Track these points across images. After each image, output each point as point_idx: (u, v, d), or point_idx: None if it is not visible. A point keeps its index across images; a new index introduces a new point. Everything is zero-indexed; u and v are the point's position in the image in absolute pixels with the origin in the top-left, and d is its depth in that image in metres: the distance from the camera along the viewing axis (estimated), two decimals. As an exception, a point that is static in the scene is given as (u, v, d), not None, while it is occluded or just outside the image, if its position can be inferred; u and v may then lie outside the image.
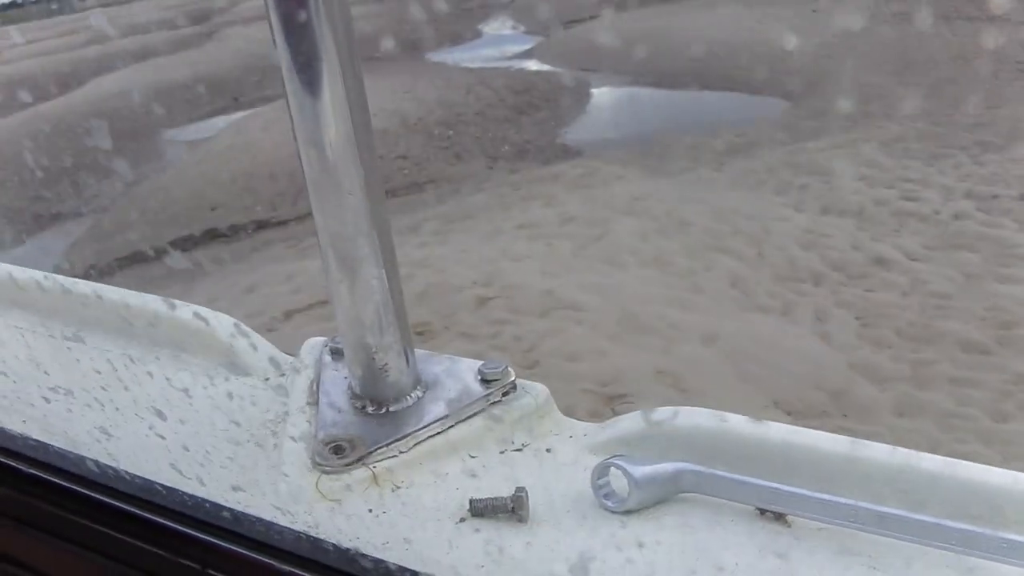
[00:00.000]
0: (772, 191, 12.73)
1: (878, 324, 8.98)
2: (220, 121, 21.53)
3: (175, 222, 15.26)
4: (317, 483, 1.29)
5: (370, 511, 1.24)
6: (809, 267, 10.25)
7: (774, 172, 13.37)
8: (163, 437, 1.53)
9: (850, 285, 9.82)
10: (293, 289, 11.07)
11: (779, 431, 1.24)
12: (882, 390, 7.88)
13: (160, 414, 1.57)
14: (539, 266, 10.57)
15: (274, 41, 1.20)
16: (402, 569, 1.09)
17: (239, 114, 21.47)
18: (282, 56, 1.20)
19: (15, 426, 1.50)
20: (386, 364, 1.39)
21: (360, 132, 1.24)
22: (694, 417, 1.30)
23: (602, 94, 19.96)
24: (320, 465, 1.32)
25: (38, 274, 1.93)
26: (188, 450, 1.48)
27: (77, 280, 1.87)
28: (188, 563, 1.19)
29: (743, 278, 10.12)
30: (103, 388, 1.68)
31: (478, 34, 28.17)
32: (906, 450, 1.18)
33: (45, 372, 1.76)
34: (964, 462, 1.16)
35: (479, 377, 1.45)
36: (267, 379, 1.62)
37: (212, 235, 14.84)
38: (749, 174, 13.48)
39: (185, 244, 14.51)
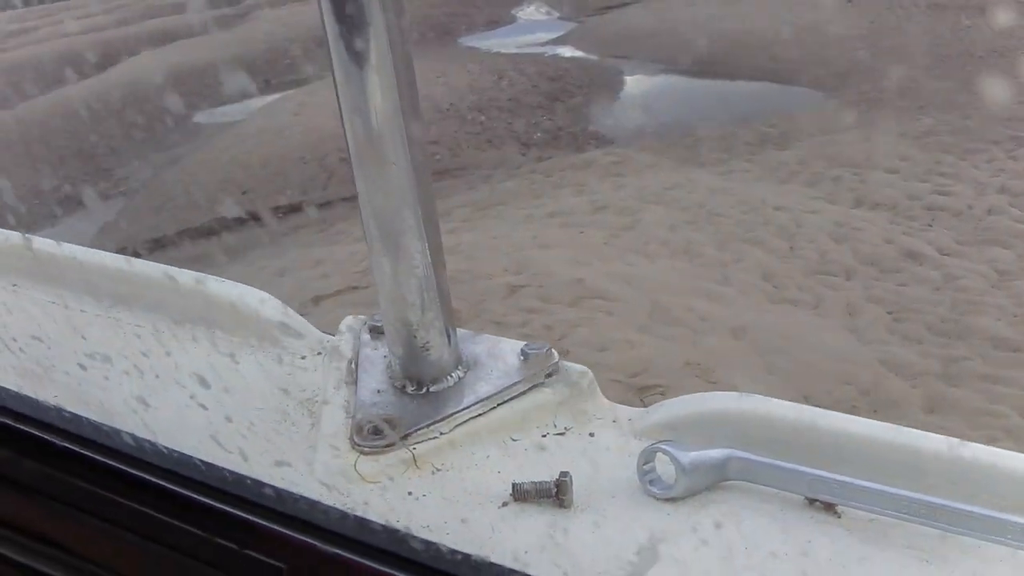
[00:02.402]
0: (804, 183, 12.68)
1: (909, 319, 8.93)
2: (251, 104, 21.56)
3: (205, 205, 15.29)
4: (356, 464, 1.27)
5: (410, 494, 1.22)
6: (840, 260, 10.20)
7: (806, 164, 13.31)
8: (205, 407, 1.51)
9: (882, 279, 9.77)
10: (322, 274, 11.08)
11: (829, 418, 1.22)
12: (912, 386, 7.84)
13: (203, 381, 1.55)
14: (570, 254, 10.55)
15: (320, 5, 1.17)
16: (453, 552, 1.07)
17: (270, 97, 21.48)
18: (328, 21, 1.17)
19: (48, 397, 1.48)
20: (427, 342, 1.37)
21: (406, 101, 1.21)
22: (741, 403, 1.28)
23: (635, 82, 19.90)
24: (359, 446, 1.29)
25: (78, 248, 1.91)
26: (231, 421, 1.46)
27: (117, 255, 1.86)
28: (226, 543, 1.17)
29: (773, 270, 10.08)
30: (143, 354, 1.66)
31: (512, 19, 28.10)
32: (960, 441, 1.15)
33: (83, 337, 1.75)
34: (1020, 455, 1.13)
35: (522, 358, 1.43)
36: (304, 357, 1.60)
37: (242, 219, 14.87)
38: (781, 165, 13.43)
39: (214, 228, 14.54)
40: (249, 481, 1.18)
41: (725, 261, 10.33)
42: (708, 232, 11.11)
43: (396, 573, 1.04)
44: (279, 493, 1.17)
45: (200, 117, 20.97)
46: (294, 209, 15.04)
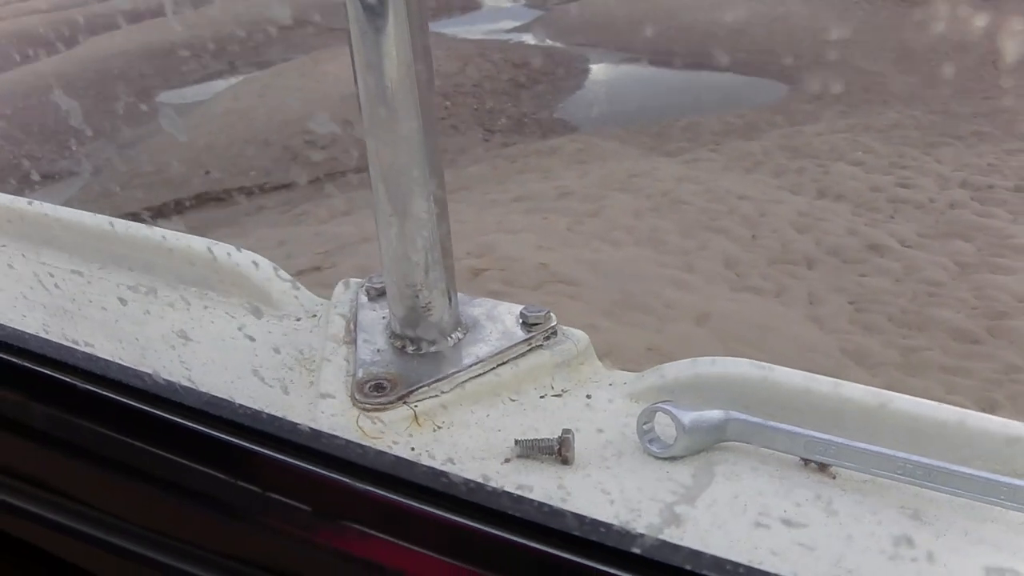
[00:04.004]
0: (769, 173, 12.74)
1: (870, 309, 8.99)
2: (216, 85, 21.39)
3: (168, 185, 15.19)
4: (357, 421, 1.28)
5: (412, 450, 1.24)
6: (803, 250, 10.26)
7: (771, 155, 13.37)
8: (253, 339, 1.52)
9: (844, 270, 9.83)
10: (285, 254, 11.01)
11: (823, 383, 1.24)
12: (872, 375, 7.89)
13: (257, 310, 1.56)
14: (534, 240, 10.54)
15: None
16: (493, 488, 1.08)
17: (236, 79, 21.34)
18: None
19: (79, 334, 1.48)
20: (429, 303, 1.38)
21: (420, 59, 1.22)
22: (735, 367, 1.30)
23: (601, 70, 19.89)
24: (360, 403, 1.30)
25: (62, 209, 1.92)
26: (279, 353, 1.48)
27: (102, 216, 1.85)
28: (248, 486, 1.17)
29: (737, 259, 10.13)
30: (193, 285, 1.68)
31: (478, 5, 27.99)
32: (953, 407, 1.18)
33: (129, 268, 1.76)
34: (1013, 421, 1.16)
35: (520, 321, 1.45)
36: (299, 319, 1.61)
37: (205, 199, 14.78)
38: (746, 156, 13.48)
39: (177, 207, 14.44)
40: (275, 420, 1.19)
41: (689, 249, 10.35)
42: (673, 220, 11.13)
43: (434, 510, 1.05)
44: (307, 430, 1.17)
45: (165, 97, 20.80)
46: (257, 190, 14.95)
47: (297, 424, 1.17)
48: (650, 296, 9.18)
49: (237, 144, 16.56)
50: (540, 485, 1.16)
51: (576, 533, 0.97)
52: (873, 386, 1.24)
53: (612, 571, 0.95)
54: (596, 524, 0.98)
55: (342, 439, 1.16)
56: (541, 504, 1.03)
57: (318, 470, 1.11)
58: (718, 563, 0.94)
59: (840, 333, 8.64)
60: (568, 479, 1.17)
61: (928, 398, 1.19)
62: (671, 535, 1.05)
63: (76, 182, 16.39)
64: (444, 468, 1.13)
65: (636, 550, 0.94)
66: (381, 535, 1.07)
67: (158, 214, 14.04)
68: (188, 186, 15.08)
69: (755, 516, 1.11)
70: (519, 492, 1.07)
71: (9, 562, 1.51)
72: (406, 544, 1.06)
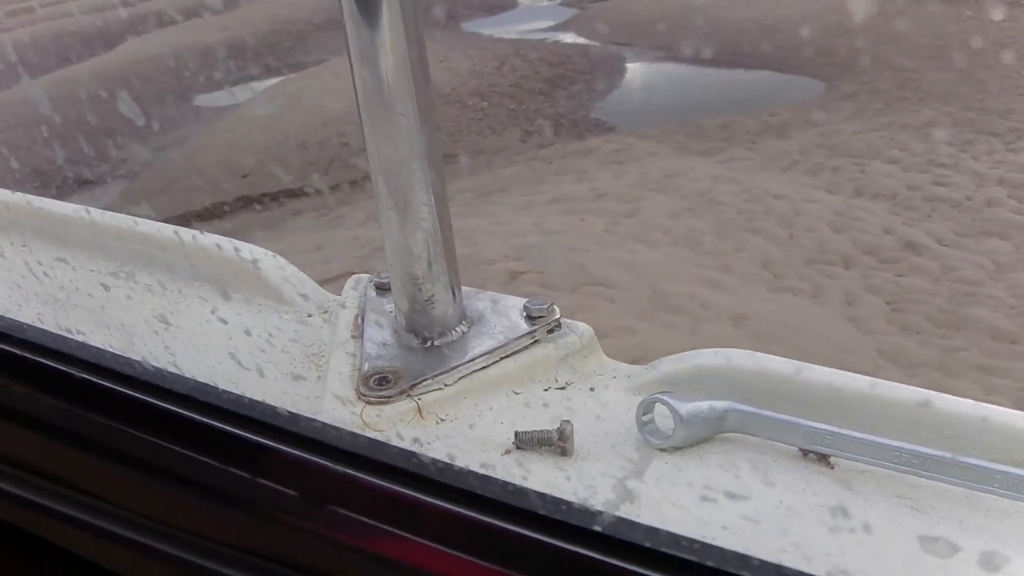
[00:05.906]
0: (805, 172, 12.69)
1: (908, 309, 8.95)
2: (252, 87, 21.49)
3: (204, 189, 15.28)
4: (362, 413, 1.29)
5: (416, 441, 1.25)
6: (840, 250, 10.22)
7: (807, 153, 13.31)
8: (225, 321, 1.54)
9: (881, 269, 9.79)
10: (323, 259, 11.06)
11: (823, 374, 1.24)
12: (910, 376, 7.85)
13: (225, 294, 1.58)
14: (570, 241, 10.55)
15: None
16: (472, 472, 1.09)
17: (271, 80, 21.43)
18: None
19: (71, 322, 1.51)
20: (433, 296, 1.39)
21: (415, 53, 1.23)
22: (737, 359, 1.30)
23: (637, 69, 19.84)
24: (365, 396, 1.32)
25: (83, 208, 1.94)
26: (250, 335, 1.50)
27: (124, 216, 1.88)
28: (239, 471, 1.19)
29: (774, 259, 10.10)
30: (168, 269, 1.70)
31: (514, 5, 27.99)
32: (951, 396, 1.18)
33: (107, 258, 1.78)
34: (1010, 410, 1.16)
35: (524, 314, 1.46)
36: (310, 315, 1.62)
37: (243, 203, 14.86)
38: (782, 155, 13.43)
39: (216, 211, 14.54)
40: (262, 405, 1.20)
41: (725, 249, 10.34)
42: (709, 220, 11.11)
43: (415, 494, 1.06)
44: (292, 416, 1.19)
45: (201, 100, 20.91)
46: (295, 193, 15.01)
47: (300, 416, 1.19)
48: (686, 297, 9.17)
49: (273, 147, 16.63)
50: (536, 476, 1.17)
51: (572, 522, 0.98)
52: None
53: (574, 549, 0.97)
54: (557, 502, 0.99)
55: (344, 430, 1.17)
56: (536, 493, 1.04)
57: (321, 461, 1.12)
58: (674, 539, 0.95)
59: (877, 333, 8.60)
60: (565, 469, 1.18)
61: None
62: (627, 511, 1.06)
63: (116, 186, 16.50)
64: (444, 460, 1.14)
65: (597, 528, 0.96)
66: (378, 524, 1.09)
67: (197, 218, 14.14)
68: (225, 190, 15.16)
69: (748, 507, 1.11)
70: (516, 483, 1.08)
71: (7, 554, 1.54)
72: (404, 533, 1.08)
